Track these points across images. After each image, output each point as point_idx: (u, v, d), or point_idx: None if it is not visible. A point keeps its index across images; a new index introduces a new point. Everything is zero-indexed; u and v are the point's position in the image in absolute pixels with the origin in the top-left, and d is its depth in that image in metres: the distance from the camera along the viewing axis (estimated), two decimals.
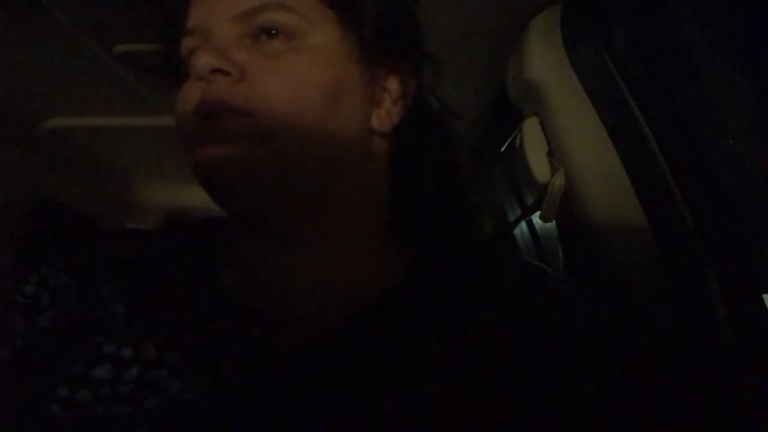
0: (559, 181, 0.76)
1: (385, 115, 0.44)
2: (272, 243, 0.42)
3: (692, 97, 0.65)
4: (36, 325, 0.38)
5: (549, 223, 0.88)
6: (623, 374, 0.38)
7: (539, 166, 0.81)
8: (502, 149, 1.08)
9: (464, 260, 0.45)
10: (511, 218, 1.28)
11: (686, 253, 0.64)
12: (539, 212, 0.83)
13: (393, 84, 0.45)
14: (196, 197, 1.75)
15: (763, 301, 0.61)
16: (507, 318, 0.39)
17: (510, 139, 0.98)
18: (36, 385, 0.35)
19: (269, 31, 0.39)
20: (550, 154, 0.81)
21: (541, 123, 0.82)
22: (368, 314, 0.40)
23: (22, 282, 0.40)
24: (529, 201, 1.00)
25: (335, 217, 0.42)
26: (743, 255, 0.63)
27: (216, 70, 0.37)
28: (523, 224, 1.26)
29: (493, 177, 1.33)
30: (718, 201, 0.64)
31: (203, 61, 0.37)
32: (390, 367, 0.37)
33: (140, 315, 0.38)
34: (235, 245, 0.44)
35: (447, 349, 0.38)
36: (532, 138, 0.82)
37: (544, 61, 0.78)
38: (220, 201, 0.40)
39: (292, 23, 0.39)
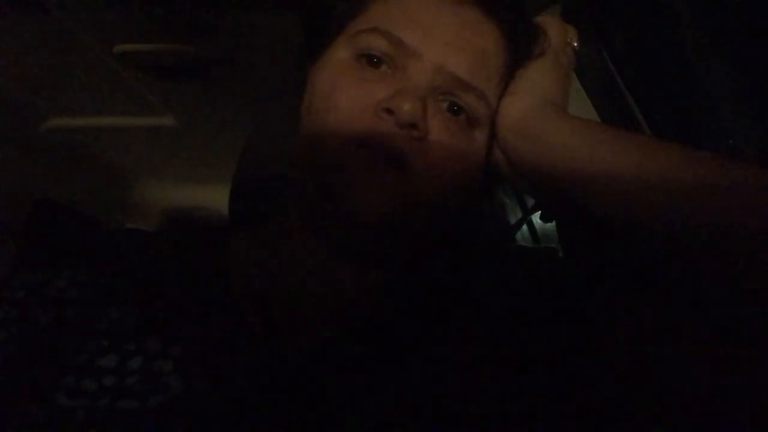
0: None
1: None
2: (319, 255, 0.41)
3: (692, 97, 0.65)
4: (62, 317, 0.38)
5: (549, 224, 0.87)
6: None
7: None
8: None
9: (471, 259, 0.46)
10: (512, 219, 1.28)
11: None
12: (539, 212, 0.83)
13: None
14: (196, 197, 1.75)
15: None
16: (516, 314, 0.39)
17: None
18: (44, 375, 0.35)
19: (459, 108, 0.39)
20: None
21: None
22: (378, 313, 0.40)
23: (54, 276, 0.40)
24: (530, 201, 1.00)
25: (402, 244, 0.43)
26: None
27: (412, 125, 0.36)
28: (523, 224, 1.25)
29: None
30: None
31: (409, 112, 0.36)
32: (397, 365, 0.37)
33: (147, 313, 0.38)
34: (253, 247, 0.44)
35: (457, 348, 0.38)
36: None
37: None
38: (337, 228, 0.39)
39: (481, 117, 0.40)
